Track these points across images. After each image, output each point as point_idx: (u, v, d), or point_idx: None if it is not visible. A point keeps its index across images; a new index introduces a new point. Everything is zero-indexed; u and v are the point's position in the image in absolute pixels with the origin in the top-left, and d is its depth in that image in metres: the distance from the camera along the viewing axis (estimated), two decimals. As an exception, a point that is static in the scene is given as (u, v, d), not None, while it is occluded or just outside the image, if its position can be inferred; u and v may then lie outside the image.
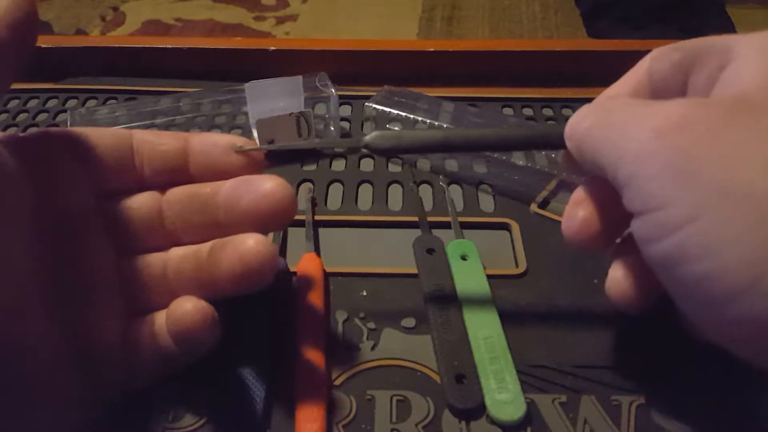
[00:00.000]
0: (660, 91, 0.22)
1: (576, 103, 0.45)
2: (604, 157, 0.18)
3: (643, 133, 0.16)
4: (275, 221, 0.23)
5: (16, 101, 0.46)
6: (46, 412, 0.19)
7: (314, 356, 0.25)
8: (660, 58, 0.21)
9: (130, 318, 0.23)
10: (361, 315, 0.28)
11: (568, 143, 0.21)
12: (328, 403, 0.24)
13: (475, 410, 0.23)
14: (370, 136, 0.25)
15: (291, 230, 0.33)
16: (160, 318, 0.22)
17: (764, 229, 0.13)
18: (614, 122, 0.18)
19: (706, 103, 0.16)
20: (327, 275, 0.30)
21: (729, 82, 0.18)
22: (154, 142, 0.24)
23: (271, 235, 0.32)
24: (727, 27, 1.06)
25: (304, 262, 0.29)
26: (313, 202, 0.35)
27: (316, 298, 0.27)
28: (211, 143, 0.24)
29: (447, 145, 0.25)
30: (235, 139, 0.24)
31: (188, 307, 0.21)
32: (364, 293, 0.29)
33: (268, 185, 0.22)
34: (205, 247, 0.23)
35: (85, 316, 0.21)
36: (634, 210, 0.17)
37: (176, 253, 0.23)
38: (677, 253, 0.15)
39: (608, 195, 0.20)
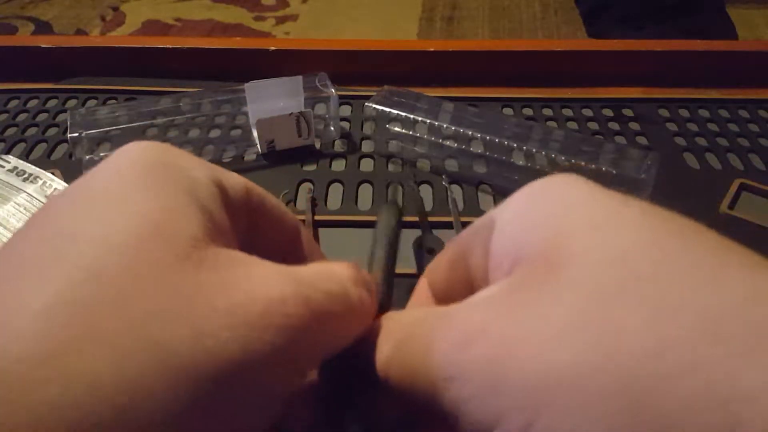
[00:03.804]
0: (448, 298, 0.18)
1: (576, 103, 0.45)
2: (420, 391, 0.14)
3: (445, 355, 0.13)
4: None
5: (16, 101, 0.46)
6: None
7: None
8: (433, 265, 0.19)
9: None
10: (361, 315, 0.28)
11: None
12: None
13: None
14: None
15: (291, 230, 0.33)
16: None
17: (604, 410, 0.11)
18: (418, 350, 0.15)
19: (486, 302, 0.14)
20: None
21: (494, 260, 0.16)
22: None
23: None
24: (727, 27, 1.06)
25: (304, 262, 0.29)
26: (313, 202, 0.35)
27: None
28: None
29: None
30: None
31: None
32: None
33: None
34: None
35: None
36: None
37: None
38: None
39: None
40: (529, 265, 0.13)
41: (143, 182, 0.14)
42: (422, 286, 0.20)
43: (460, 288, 0.18)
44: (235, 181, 0.17)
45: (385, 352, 0.16)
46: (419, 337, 0.15)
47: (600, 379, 0.10)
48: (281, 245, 0.19)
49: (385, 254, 0.26)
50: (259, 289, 0.13)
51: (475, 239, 0.17)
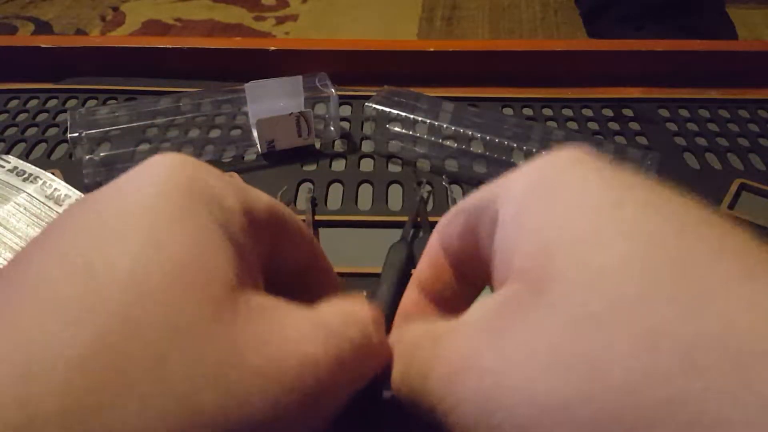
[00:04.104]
0: (460, 263, 0.19)
1: (576, 103, 0.45)
2: (427, 415, 0.15)
3: (439, 387, 0.14)
4: None
5: (16, 101, 0.46)
6: None
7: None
8: (445, 230, 0.19)
9: None
10: (361, 315, 0.28)
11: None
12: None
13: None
14: None
15: (291, 230, 0.33)
16: None
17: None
18: (417, 379, 0.15)
19: (475, 328, 0.14)
20: (327, 275, 0.30)
21: (499, 254, 0.16)
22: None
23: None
24: (727, 27, 1.06)
25: (304, 262, 0.29)
26: (313, 202, 0.35)
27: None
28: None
29: None
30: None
31: None
32: (364, 293, 0.29)
33: None
34: None
35: None
36: None
37: None
38: None
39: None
40: (517, 283, 0.14)
41: (175, 211, 0.14)
42: (434, 247, 0.20)
43: (471, 261, 0.18)
44: (261, 202, 0.17)
45: (395, 373, 0.16)
46: (417, 365, 0.15)
47: (580, 413, 0.11)
48: (299, 262, 0.19)
49: (390, 292, 0.27)
50: (292, 347, 0.13)
51: (480, 221, 0.17)
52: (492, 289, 0.17)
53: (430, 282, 0.19)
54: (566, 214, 0.13)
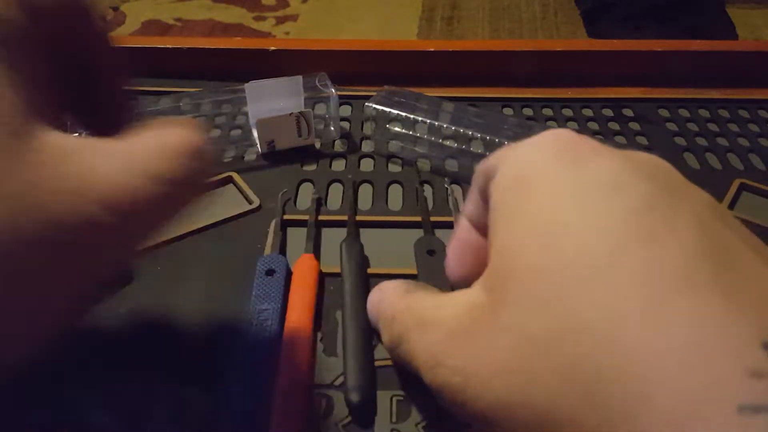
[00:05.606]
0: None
1: (576, 103, 0.46)
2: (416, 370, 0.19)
3: (422, 371, 0.18)
4: None
5: (16, 101, 0.46)
6: None
7: (298, 356, 0.25)
8: (476, 180, 0.21)
9: None
10: (361, 315, 0.28)
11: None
12: (309, 403, 0.24)
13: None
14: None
15: (292, 230, 0.33)
16: None
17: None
18: (406, 355, 0.19)
19: (450, 327, 0.17)
20: (324, 275, 0.30)
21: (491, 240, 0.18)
22: None
23: (271, 235, 0.32)
24: (727, 27, 1.06)
25: (300, 263, 0.29)
26: (318, 203, 0.35)
27: (306, 300, 0.27)
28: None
29: None
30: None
31: None
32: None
33: None
34: None
35: None
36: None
37: None
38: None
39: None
40: (484, 294, 0.17)
41: None
42: (474, 190, 0.22)
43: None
44: None
45: (385, 339, 0.21)
46: (405, 343, 0.19)
47: (518, 414, 0.14)
48: (90, 50, 0.18)
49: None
50: (98, 179, 0.13)
51: (487, 186, 0.19)
52: None
53: (475, 215, 0.22)
54: (523, 233, 0.16)
